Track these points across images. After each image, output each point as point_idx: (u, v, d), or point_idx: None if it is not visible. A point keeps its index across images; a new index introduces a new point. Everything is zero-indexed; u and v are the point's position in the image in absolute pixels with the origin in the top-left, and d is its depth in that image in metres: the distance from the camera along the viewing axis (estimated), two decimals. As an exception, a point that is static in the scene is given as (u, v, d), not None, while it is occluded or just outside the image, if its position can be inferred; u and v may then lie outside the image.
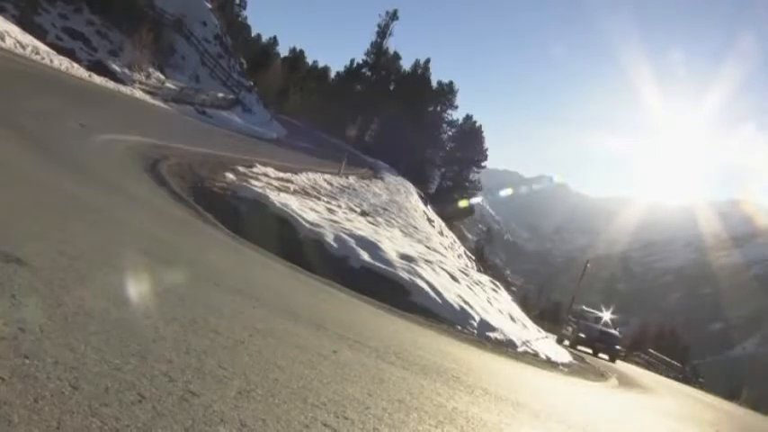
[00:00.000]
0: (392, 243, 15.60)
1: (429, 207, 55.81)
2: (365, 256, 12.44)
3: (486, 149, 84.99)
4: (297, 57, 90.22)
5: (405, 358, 5.97)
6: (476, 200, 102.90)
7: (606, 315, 31.27)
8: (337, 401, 3.49)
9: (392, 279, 12.08)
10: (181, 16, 39.51)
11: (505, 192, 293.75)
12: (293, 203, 14.35)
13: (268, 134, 40.89)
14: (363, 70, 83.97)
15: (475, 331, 12.15)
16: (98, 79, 25.96)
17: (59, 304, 3.12)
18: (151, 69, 32.55)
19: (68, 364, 2.46)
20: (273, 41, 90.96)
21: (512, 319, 16.47)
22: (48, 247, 4.09)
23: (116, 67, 28.75)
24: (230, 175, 15.22)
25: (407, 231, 24.37)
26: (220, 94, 39.52)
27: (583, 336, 28.84)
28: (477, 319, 12.71)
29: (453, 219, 74.22)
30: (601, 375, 18.02)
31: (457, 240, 57.78)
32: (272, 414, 2.86)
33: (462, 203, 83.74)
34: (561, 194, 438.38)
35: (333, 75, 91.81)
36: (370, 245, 13.35)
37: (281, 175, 19.73)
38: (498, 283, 20.80)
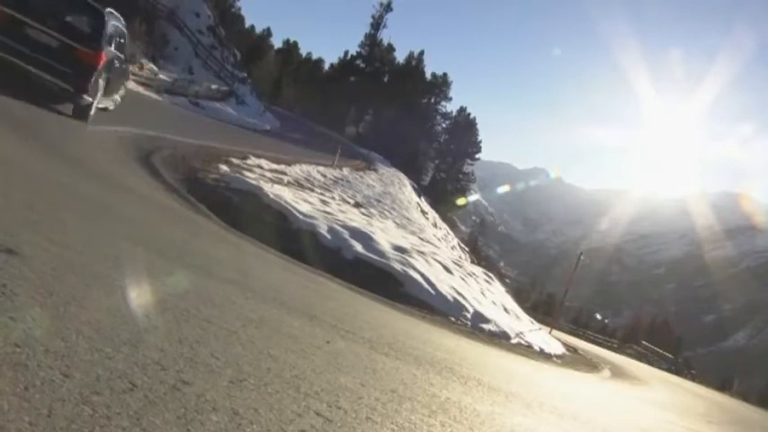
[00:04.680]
0: (385, 234, 15.59)
1: (422, 199, 55.83)
2: (358, 247, 12.44)
3: (480, 141, 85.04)
4: (290, 48, 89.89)
5: (398, 349, 5.98)
6: (473, 197, 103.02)
7: None
8: (330, 391, 3.50)
9: (385, 270, 12.09)
10: (174, 7, 39.28)
11: (503, 188, 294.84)
12: (287, 195, 14.32)
13: (261, 126, 40.81)
14: (357, 62, 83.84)
15: (468, 323, 12.19)
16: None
17: (51, 293, 3.10)
18: (144, 61, 32.34)
19: (59, 353, 2.45)
20: (267, 33, 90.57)
21: (505, 310, 16.51)
22: (39, 235, 4.07)
23: (108, 58, 28.55)
24: (224, 167, 15.18)
25: (401, 223, 24.39)
26: (214, 86, 39.36)
27: None
28: (471, 310, 12.75)
29: (447, 211, 74.28)
30: (593, 367, 18.12)
31: (450, 232, 57.86)
32: (265, 403, 2.86)
33: (460, 202, 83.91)
34: (555, 186, 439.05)
35: (327, 67, 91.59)
36: (364, 236, 13.35)
37: (275, 166, 19.69)
38: (492, 275, 20.84)
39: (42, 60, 10.28)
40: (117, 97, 14.34)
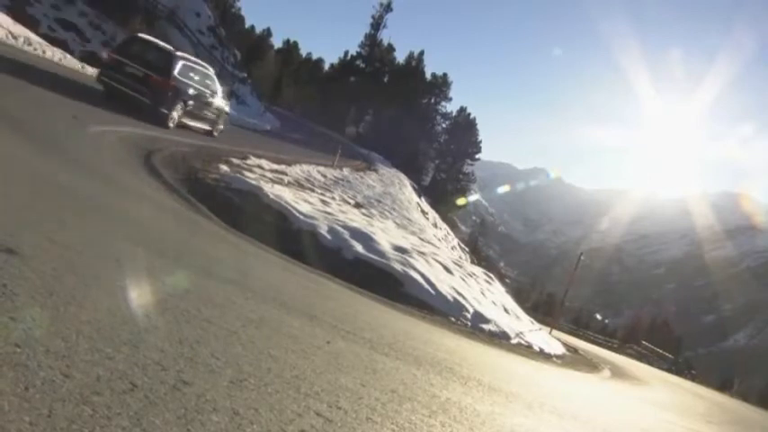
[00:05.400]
0: (386, 235, 15.59)
1: (423, 199, 55.82)
2: (359, 247, 12.43)
3: (480, 142, 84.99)
4: (290, 48, 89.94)
5: (398, 349, 5.97)
6: (473, 197, 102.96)
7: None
8: (330, 391, 3.50)
9: (385, 270, 12.07)
10: (174, 7, 39.27)
11: (503, 188, 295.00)
12: (287, 195, 14.32)
13: (262, 126, 40.79)
14: (357, 62, 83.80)
15: (468, 323, 12.18)
16: (91, 70, 25.78)
17: (51, 294, 3.11)
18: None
19: (60, 353, 2.46)
20: (267, 33, 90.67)
21: (505, 310, 16.50)
22: (40, 236, 4.07)
23: (109, 58, 28.58)
24: (224, 167, 15.18)
25: (401, 223, 24.38)
26: (214, 86, 39.30)
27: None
28: (471, 310, 12.73)
29: (447, 211, 74.27)
30: (593, 367, 18.11)
31: (450, 232, 57.87)
32: (265, 403, 2.86)
33: (460, 202, 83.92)
34: (555, 187, 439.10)
35: (327, 67, 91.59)
36: (364, 236, 13.34)
37: (275, 166, 19.68)
38: (492, 275, 20.81)
39: (134, 85, 15.98)
40: (220, 126, 21.06)
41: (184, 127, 18.07)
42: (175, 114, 17.14)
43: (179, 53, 17.45)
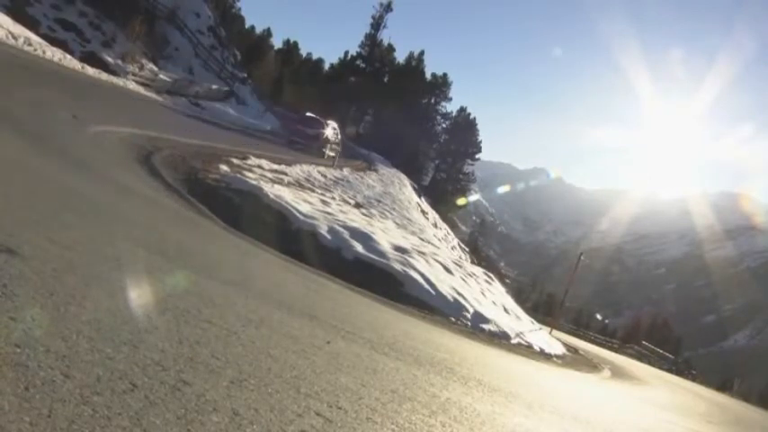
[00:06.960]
0: (386, 235, 15.59)
1: (423, 199, 55.78)
2: (359, 247, 12.43)
3: (480, 142, 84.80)
4: (290, 49, 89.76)
5: (398, 349, 5.97)
6: (473, 197, 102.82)
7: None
8: (330, 391, 3.50)
9: (385, 270, 12.08)
10: (174, 7, 39.19)
11: (503, 188, 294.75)
12: (287, 195, 14.31)
13: (262, 126, 40.75)
14: (357, 62, 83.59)
15: (468, 323, 12.18)
16: (91, 71, 25.79)
17: (51, 294, 3.10)
18: (144, 61, 32.30)
19: (60, 353, 2.45)
20: (267, 33, 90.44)
21: (505, 310, 16.50)
22: (40, 236, 4.07)
23: (109, 59, 28.54)
24: (224, 167, 15.17)
25: (401, 223, 24.38)
26: (214, 86, 39.33)
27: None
28: (471, 310, 12.73)
29: (447, 211, 74.22)
30: (594, 367, 18.11)
31: (450, 232, 57.82)
32: (265, 403, 2.86)
33: (460, 202, 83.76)
34: (555, 187, 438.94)
35: (327, 67, 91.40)
36: (364, 236, 13.34)
37: (275, 167, 19.67)
38: (492, 275, 20.81)
39: (305, 138, 34.40)
40: (338, 151, 36.25)
41: (327, 157, 33.33)
42: (327, 152, 34.36)
43: (327, 120, 37.37)
